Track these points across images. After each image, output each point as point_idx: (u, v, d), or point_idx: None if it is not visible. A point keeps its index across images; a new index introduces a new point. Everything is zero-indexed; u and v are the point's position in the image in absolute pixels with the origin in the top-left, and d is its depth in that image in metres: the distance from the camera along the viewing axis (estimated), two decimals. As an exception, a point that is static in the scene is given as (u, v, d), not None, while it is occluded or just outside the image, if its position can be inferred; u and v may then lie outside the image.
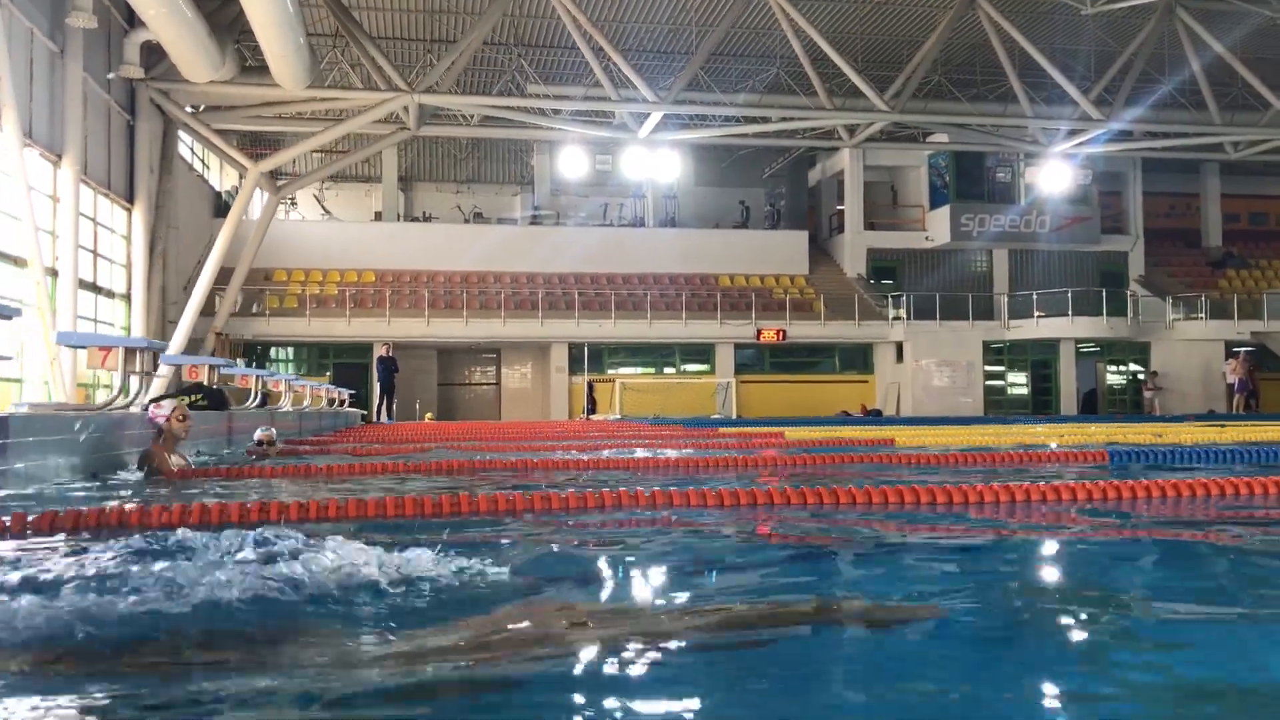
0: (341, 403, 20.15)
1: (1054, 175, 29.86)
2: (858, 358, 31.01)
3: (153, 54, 21.70)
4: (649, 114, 25.98)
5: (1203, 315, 30.51)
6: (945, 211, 31.98)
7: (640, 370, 30.17)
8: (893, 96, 26.55)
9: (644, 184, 32.52)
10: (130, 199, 22.68)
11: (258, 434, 9.52)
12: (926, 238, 32.83)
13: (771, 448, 10.15)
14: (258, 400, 12.35)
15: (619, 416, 25.86)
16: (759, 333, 29.18)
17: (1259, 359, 31.28)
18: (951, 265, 32.97)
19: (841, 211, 33.91)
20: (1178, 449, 8.69)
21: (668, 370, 30.32)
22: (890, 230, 34.12)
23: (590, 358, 29.51)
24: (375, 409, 23.79)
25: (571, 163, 28.75)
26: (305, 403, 15.70)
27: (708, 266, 32.25)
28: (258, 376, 12.38)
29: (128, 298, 22.63)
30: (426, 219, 34.93)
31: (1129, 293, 30.53)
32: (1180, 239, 37.97)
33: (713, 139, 28.64)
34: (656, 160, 28.08)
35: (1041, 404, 30.49)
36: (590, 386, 29.05)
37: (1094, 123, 27.49)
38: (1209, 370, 29.85)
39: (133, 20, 20.80)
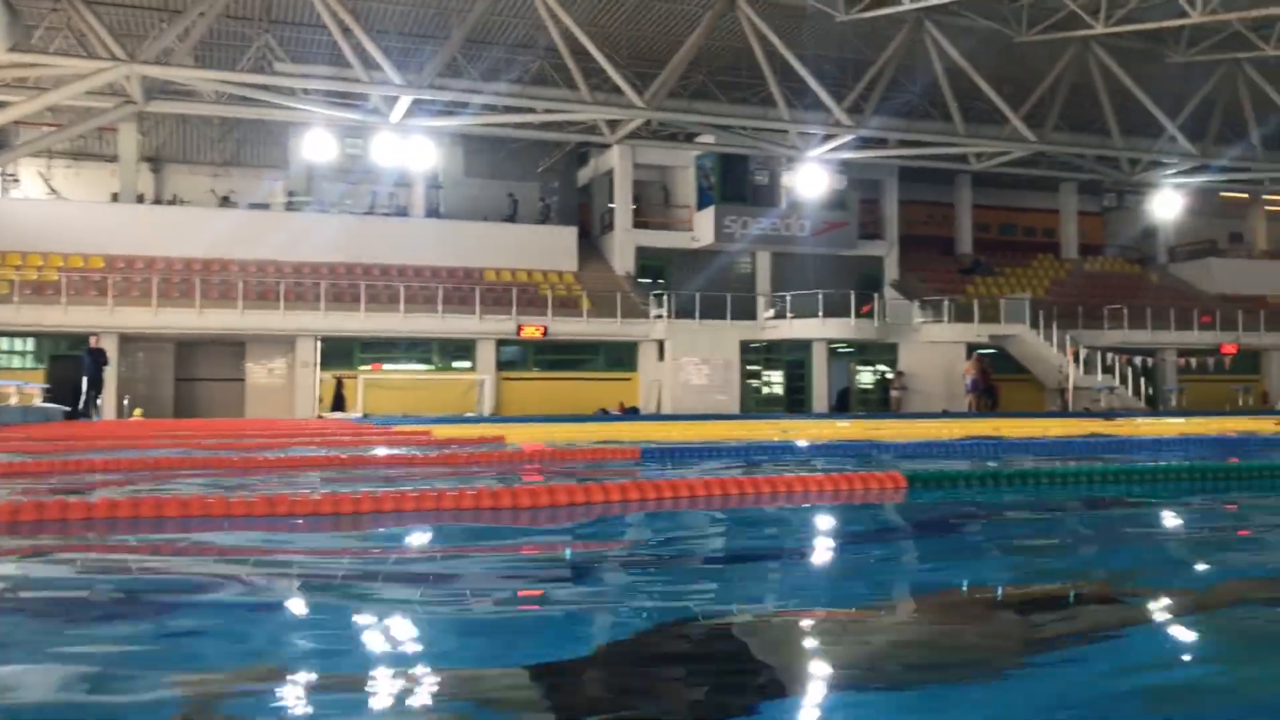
0: (31, 398, 18.30)
1: (811, 180, 30.53)
2: (622, 356, 30.86)
3: None
4: (399, 98, 25.02)
5: (946, 319, 31.88)
6: (710, 213, 32.26)
7: (395, 367, 29.01)
8: (652, 94, 26.51)
9: (408, 173, 31.35)
10: None
11: None
12: (693, 238, 33.05)
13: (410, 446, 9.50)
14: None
15: (361, 416, 24.70)
16: (520, 329, 28.57)
17: (998, 360, 33.08)
18: (718, 265, 33.28)
19: (613, 209, 33.75)
20: (713, 445, 8.89)
21: (424, 367, 29.30)
22: (661, 230, 34.19)
23: (341, 353, 28.19)
24: (81, 404, 21.82)
25: (318, 146, 27.29)
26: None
27: (473, 260, 31.43)
28: None
29: None
30: (174, 203, 32.63)
31: (874, 295, 31.54)
32: (936, 246, 39.77)
33: (470, 127, 27.92)
34: (410, 147, 26.99)
35: (796, 402, 31.15)
36: (339, 383, 27.76)
37: (845, 129, 28.26)
38: (951, 371, 31.20)
39: None
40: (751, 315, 30.84)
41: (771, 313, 31.07)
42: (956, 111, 29.98)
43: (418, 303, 28.56)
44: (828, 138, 29.14)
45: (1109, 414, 24.57)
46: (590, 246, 34.37)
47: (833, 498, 4.92)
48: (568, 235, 32.95)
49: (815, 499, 4.89)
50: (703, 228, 32.71)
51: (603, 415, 27.23)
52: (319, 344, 27.73)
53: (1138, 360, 31.42)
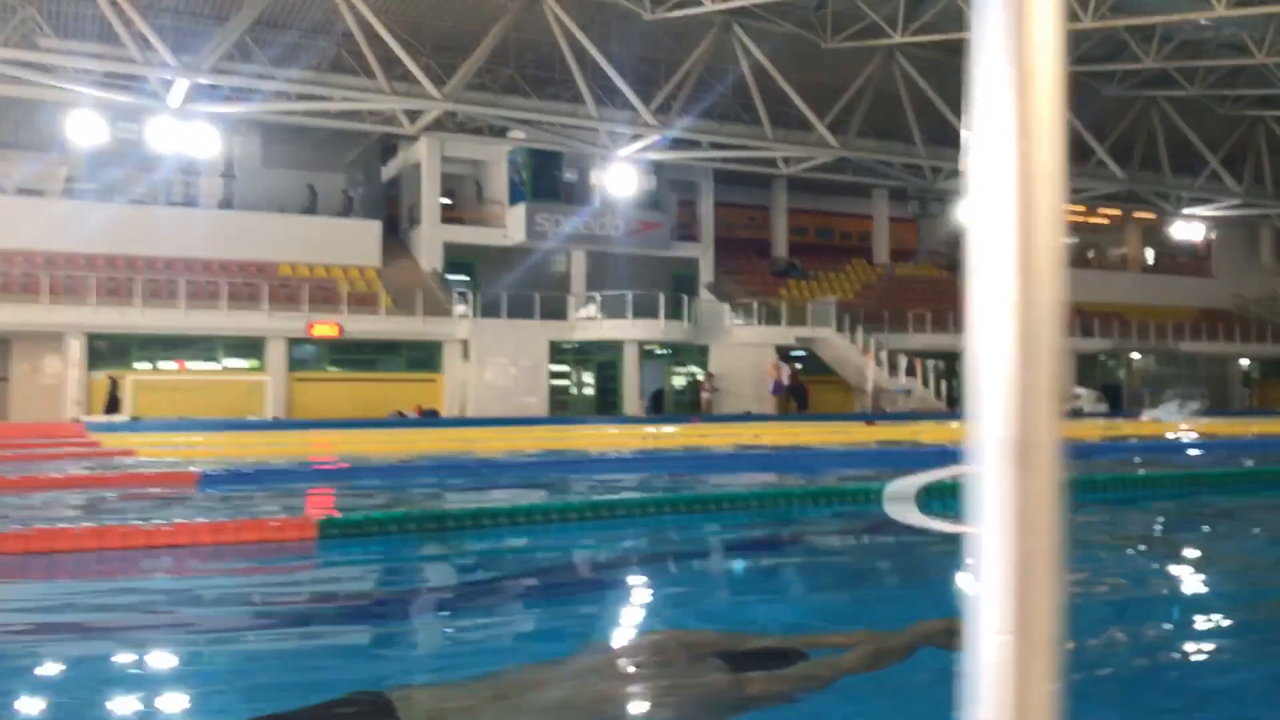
0: None
1: (621, 179, 30.17)
2: (426, 356, 29.84)
3: None
4: (174, 81, 23.43)
5: (756, 321, 32.07)
6: (522, 210, 31.57)
7: (171, 366, 27.21)
8: (452, 86, 25.64)
9: (198, 161, 29.49)
10: None
11: None
12: (504, 235, 32.27)
13: None
14: None
15: (130, 418, 23.03)
16: (310, 327, 27.22)
17: (810, 362, 33.53)
18: (531, 264, 32.57)
19: (423, 204, 32.62)
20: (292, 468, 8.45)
21: (213, 366, 27.61)
22: (474, 226, 33.29)
23: (118, 351, 26.30)
24: None
25: (85, 129, 25.23)
26: None
27: (268, 254, 29.83)
28: None
29: None
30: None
31: (684, 297, 31.46)
32: (754, 249, 40.12)
33: (261, 115, 26.44)
34: (193, 133, 25.30)
35: (608, 404, 30.77)
36: (113, 383, 25.88)
37: (651, 129, 28.02)
38: (761, 372, 31.39)
39: None
40: (562, 315, 30.25)
41: (584, 313, 30.59)
42: (765, 116, 30.18)
43: (203, 298, 26.88)
44: (637, 137, 28.86)
45: (871, 417, 25.07)
46: (398, 243, 33.21)
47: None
48: (371, 229, 31.69)
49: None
50: (514, 225, 31.99)
51: (398, 419, 26.21)
52: (87, 341, 25.75)
53: (934, 363, 32.35)
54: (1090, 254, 48.38)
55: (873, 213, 42.07)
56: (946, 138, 33.21)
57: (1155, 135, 35.70)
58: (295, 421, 24.33)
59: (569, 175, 31.70)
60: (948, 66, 31.31)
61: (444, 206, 33.51)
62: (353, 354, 29.09)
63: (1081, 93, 33.00)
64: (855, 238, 43.84)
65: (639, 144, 28.94)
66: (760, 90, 29.51)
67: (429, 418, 26.87)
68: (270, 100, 26.09)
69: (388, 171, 35.26)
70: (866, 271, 40.92)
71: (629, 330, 29.72)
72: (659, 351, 32.61)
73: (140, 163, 27.67)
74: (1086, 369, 38.47)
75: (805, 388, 31.77)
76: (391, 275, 31.04)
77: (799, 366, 32.30)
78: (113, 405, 25.82)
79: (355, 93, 25.67)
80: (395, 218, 34.31)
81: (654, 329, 29.81)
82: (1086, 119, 33.27)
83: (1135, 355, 39.64)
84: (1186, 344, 39.90)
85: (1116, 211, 44.59)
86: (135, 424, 21.60)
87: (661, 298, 29.77)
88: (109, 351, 26.16)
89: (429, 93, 24.97)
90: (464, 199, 34.84)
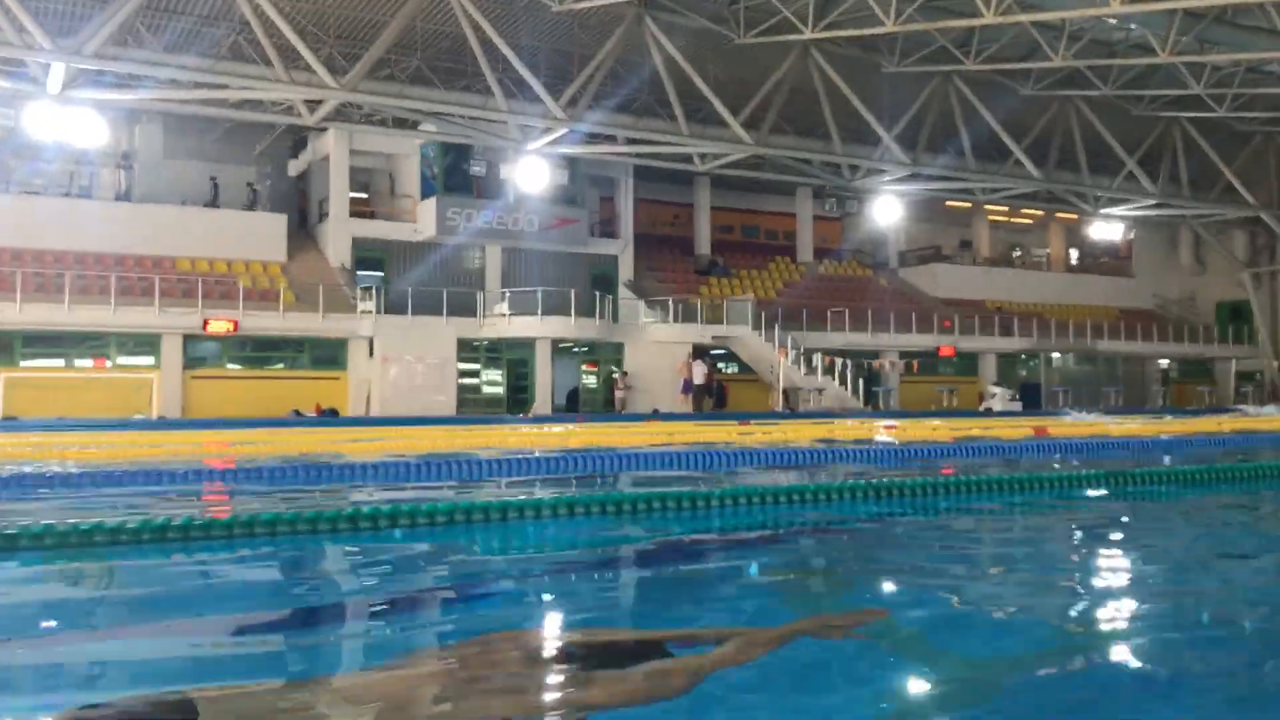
0: None
1: (533, 173, 29.60)
2: (331, 353, 29.08)
3: None
4: (50, 66, 22.50)
5: (671, 319, 31.70)
6: (432, 203, 30.90)
7: (64, 364, 26.22)
8: (351, 76, 24.91)
9: (90, 151, 28.48)
10: None
11: None
12: (414, 229, 31.56)
13: None
14: None
15: (1, 419, 22.08)
16: (206, 323, 26.34)
17: (730, 360, 33.27)
18: (444, 260, 31.89)
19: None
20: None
21: (102, 364, 26.62)
22: (385, 220, 32.52)
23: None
24: None
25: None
26: None
27: (167, 248, 28.87)
28: None
29: None
30: None
31: (596, 294, 31.02)
32: (678, 247, 39.77)
33: (153, 103, 25.51)
34: (77, 121, 24.30)
35: (519, 402, 30.21)
36: (-4, 381, 24.84)
37: (559, 122, 27.50)
38: (675, 371, 31.01)
39: None
40: (471, 312, 29.62)
41: (497, 310, 30.00)
42: (680, 111, 29.76)
43: (91, 294, 25.90)
44: (548, 131, 28.29)
45: (746, 417, 24.81)
46: (308, 238, 32.38)
47: None
48: (276, 223, 30.82)
49: None
50: (425, 219, 31.32)
51: (295, 418, 25.45)
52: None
53: (849, 361, 32.28)
54: (1016, 253, 48.74)
55: (797, 211, 41.92)
56: (866, 136, 33.05)
57: (1073, 135, 35.85)
58: (182, 421, 23.50)
59: (481, 169, 30.98)
60: (864, 64, 31.25)
61: (357, 201, 32.74)
62: (254, 352, 28.27)
63: (998, 92, 33.10)
64: (781, 235, 43.64)
65: (547, 138, 28.39)
66: (676, 85, 29.11)
67: (328, 417, 26.13)
68: (162, 88, 25.19)
69: (298, 165, 34.36)
70: (790, 269, 40.76)
71: (538, 328, 29.20)
72: (575, 350, 32.14)
73: (19, 151, 26.60)
74: (1007, 368, 38.65)
75: (724, 386, 31.49)
76: (297, 270, 30.22)
77: (720, 366, 32.01)
78: (-5, 404, 24.80)
79: (250, 81, 24.80)
80: (306, 212, 33.48)
81: (564, 326, 29.31)
82: (1003, 118, 33.36)
83: (1055, 355, 39.86)
84: (1106, 344, 40.22)
85: (1039, 212, 44.91)
86: (6, 424, 20.69)
87: (573, 294, 29.26)
88: (-9, 349, 25.13)
89: (325, 82, 24.22)
90: (378, 193, 34.04)
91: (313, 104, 26.15)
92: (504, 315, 29.16)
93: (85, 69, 23.53)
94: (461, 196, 31.07)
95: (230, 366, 27.78)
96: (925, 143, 33.35)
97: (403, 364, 28.14)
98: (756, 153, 30.74)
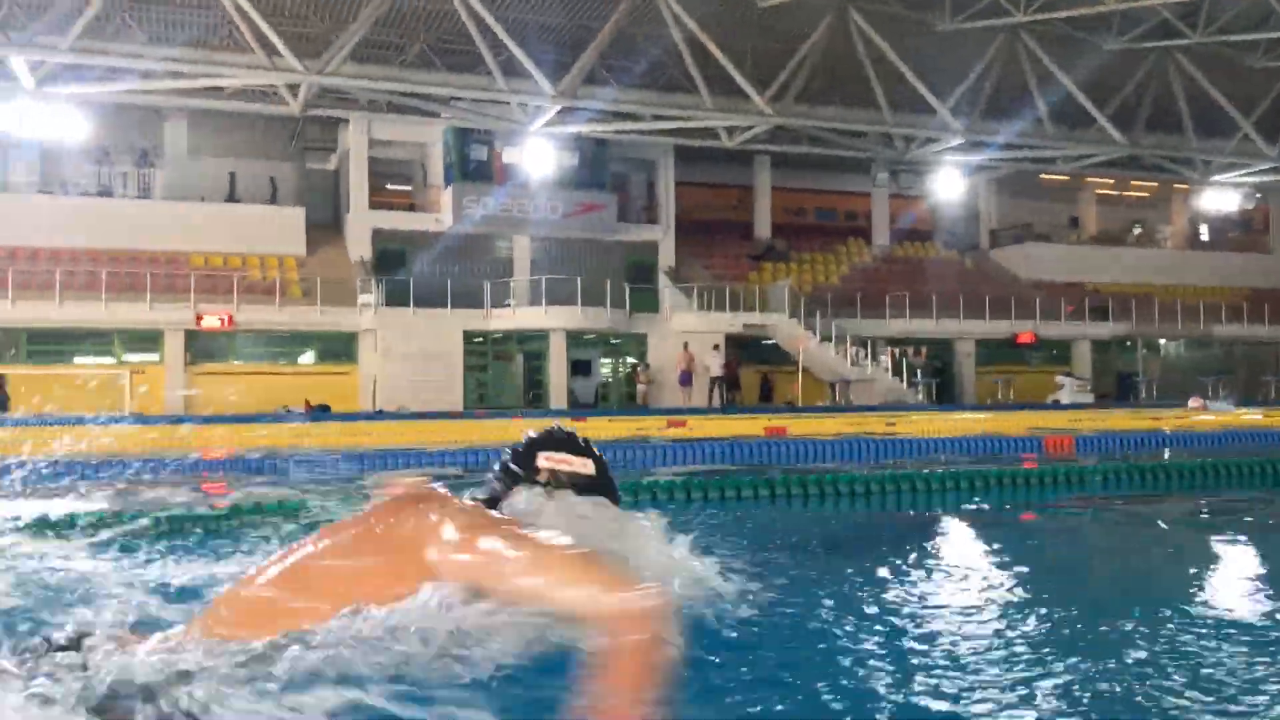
0: None
1: (538, 156, 28.12)
2: (341, 348, 28.41)
3: None
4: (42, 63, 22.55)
5: (698, 307, 29.64)
6: (451, 192, 29.82)
7: (64, 362, 26.42)
8: (326, 60, 24.06)
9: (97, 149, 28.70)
10: None
11: None
12: (436, 219, 30.54)
13: None
14: None
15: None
16: (199, 318, 26.01)
17: (774, 352, 30.91)
18: (469, 250, 30.76)
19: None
20: None
21: (105, 361, 26.70)
22: (416, 211, 31.68)
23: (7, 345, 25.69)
24: None
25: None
26: None
27: (185, 244, 28.74)
28: None
29: None
30: None
31: (608, 282, 29.22)
32: (736, 231, 37.53)
33: (115, 95, 25.29)
34: (50, 115, 24.30)
35: (536, 397, 28.81)
36: (0, 379, 25.18)
37: (554, 98, 25.94)
38: (703, 363, 28.93)
39: None
40: (479, 304, 28.34)
41: (511, 301, 28.66)
42: (702, 83, 27.70)
43: (93, 289, 25.93)
44: (543, 111, 26.75)
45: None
46: (336, 231, 31.86)
47: None
48: (294, 217, 30.35)
49: None
50: (446, 209, 30.26)
51: (284, 414, 24.74)
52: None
53: (909, 349, 29.49)
54: (1137, 230, 44.12)
55: (872, 190, 38.88)
56: (920, 104, 30.03)
57: (1172, 93, 31.73)
58: (158, 417, 23.09)
59: (502, 155, 29.70)
60: (913, 23, 28.33)
61: (392, 193, 32.06)
62: (261, 346, 27.88)
63: (1075, 47, 29.50)
64: (861, 217, 40.70)
65: (543, 118, 26.83)
66: (695, 57, 27.10)
67: (319, 412, 25.34)
68: (150, 80, 24.95)
69: (338, 158, 33.94)
70: (861, 253, 37.87)
71: (543, 319, 27.66)
72: (606, 342, 30.52)
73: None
74: (1099, 356, 34.74)
75: (737, 377, 29.29)
76: (314, 265, 29.68)
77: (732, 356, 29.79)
78: (1, 402, 25.12)
79: (229, 69, 24.30)
80: (338, 205, 33.03)
81: (572, 317, 27.66)
82: (1085, 77, 29.77)
83: (1162, 341, 35.62)
84: (1224, 328, 35.68)
85: (1154, 184, 40.39)
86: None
87: (579, 283, 27.59)
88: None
89: (292, 66, 23.41)
90: (415, 185, 33.32)
91: (294, 89, 25.38)
92: (508, 306, 27.75)
93: (65, 63, 23.49)
94: (478, 184, 29.81)
95: (235, 362, 27.42)
96: (986, 107, 30.10)
97: (406, 358, 27.14)
98: (781, 124, 28.36)
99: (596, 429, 13.65)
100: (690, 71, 27.50)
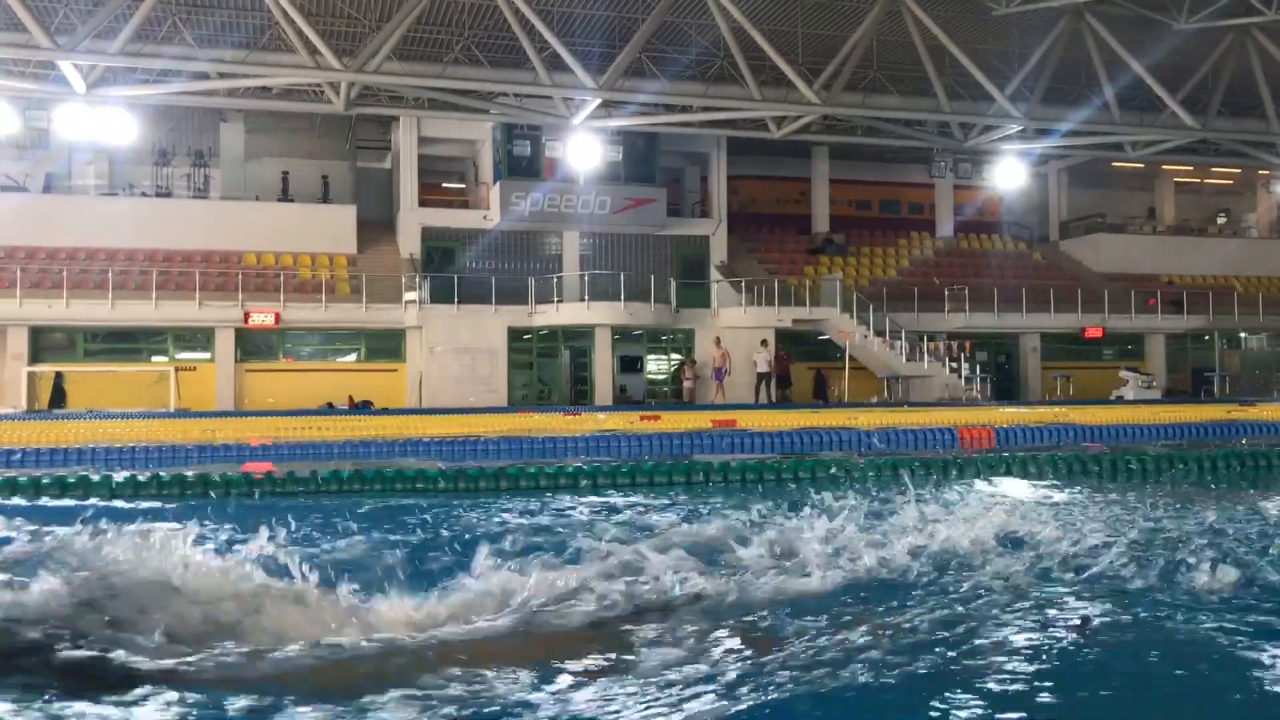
0: None
1: (583, 151, 27.84)
2: (391, 345, 28.55)
3: None
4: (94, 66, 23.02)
5: (747, 303, 29.05)
6: (499, 188, 29.75)
7: (122, 359, 26.98)
8: (364, 58, 24.09)
9: (136, 150, 29.25)
10: None
11: None
12: (484, 216, 30.50)
13: None
14: None
15: (21, 411, 22.77)
16: (246, 316, 26.35)
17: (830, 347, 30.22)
18: (517, 246, 30.70)
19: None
20: None
21: (158, 359, 27.19)
22: (462, 209, 31.74)
23: (62, 344, 26.34)
24: None
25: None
26: None
27: (240, 243, 29.17)
28: None
29: None
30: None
31: (660, 278, 28.83)
32: (794, 225, 36.83)
33: (165, 98, 25.68)
34: (103, 119, 24.79)
35: (580, 394, 28.58)
36: (58, 376, 25.88)
37: (594, 92, 25.60)
38: (751, 359, 28.40)
39: None
40: (522, 300, 28.21)
41: (556, 298, 28.47)
42: (749, 73, 27.12)
43: (146, 289, 26.44)
44: (585, 104, 26.45)
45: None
46: (388, 229, 32.06)
47: None
48: (345, 215, 30.59)
49: None
50: (494, 205, 30.20)
51: (328, 410, 24.97)
52: (40, 335, 25.85)
53: (956, 345, 28.52)
54: (1221, 219, 42.23)
55: (935, 181, 37.76)
56: (977, 91, 29.01)
57: (1252, 74, 30.11)
58: (199, 413, 23.48)
59: (549, 151, 29.54)
60: (970, 7, 27.36)
61: (447, 190, 32.15)
62: (310, 344, 28.16)
63: (1144, 28, 28.18)
64: (926, 210, 39.62)
65: (584, 110, 26.50)
66: (743, 47, 26.57)
67: (361, 408, 25.51)
68: (199, 81, 25.31)
69: (391, 157, 34.18)
70: (925, 245, 36.84)
71: (585, 314, 27.39)
72: (647, 338, 30.17)
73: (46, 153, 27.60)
74: (1174, 351, 33.24)
75: (788, 373, 28.64)
76: (364, 263, 29.89)
77: (784, 351, 29.13)
78: (58, 399, 25.80)
79: (271, 69, 24.52)
80: (392, 204, 33.23)
81: (615, 313, 27.34)
82: (1154, 60, 28.42)
83: (1242, 335, 33.93)
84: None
85: (1236, 170, 38.55)
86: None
87: (621, 278, 27.26)
88: (54, 346, 26.19)
89: (330, 64, 23.48)
90: (469, 182, 33.42)
91: (335, 86, 25.49)
92: (552, 303, 27.56)
93: (115, 67, 23.93)
94: (525, 180, 29.67)
95: (283, 360, 27.73)
96: (1048, 93, 28.94)
97: (451, 355, 27.14)
98: (830, 113, 27.63)
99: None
100: (736, 61, 26.99)
